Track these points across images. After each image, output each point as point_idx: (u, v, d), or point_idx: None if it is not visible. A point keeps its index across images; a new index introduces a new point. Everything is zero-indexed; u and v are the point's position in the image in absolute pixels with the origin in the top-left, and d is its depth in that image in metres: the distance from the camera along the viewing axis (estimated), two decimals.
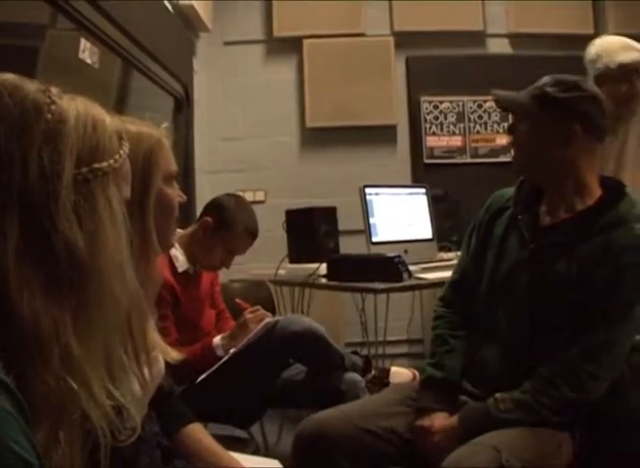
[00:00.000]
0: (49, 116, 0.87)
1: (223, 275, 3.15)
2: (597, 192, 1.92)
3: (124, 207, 0.96)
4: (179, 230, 2.00)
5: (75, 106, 0.91)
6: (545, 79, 1.96)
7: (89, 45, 2.89)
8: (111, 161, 0.94)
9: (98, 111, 0.95)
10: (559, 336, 1.83)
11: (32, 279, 0.82)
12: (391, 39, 5.39)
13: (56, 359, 0.82)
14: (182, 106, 4.49)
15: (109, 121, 0.96)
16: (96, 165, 0.92)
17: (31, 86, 0.89)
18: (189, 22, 4.77)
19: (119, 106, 3.29)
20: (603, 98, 1.92)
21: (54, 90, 0.91)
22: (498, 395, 1.83)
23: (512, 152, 2.06)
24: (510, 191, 2.10)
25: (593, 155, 1.93)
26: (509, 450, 1.67)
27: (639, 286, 1.81)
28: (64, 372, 0.83)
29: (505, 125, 5.40)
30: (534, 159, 1.97)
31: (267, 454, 2.49)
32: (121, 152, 0.97)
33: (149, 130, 1.40)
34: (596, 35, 5.46)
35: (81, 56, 2.82)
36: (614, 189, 1.93)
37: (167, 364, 1.53)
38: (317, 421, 1.96)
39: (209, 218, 2.71)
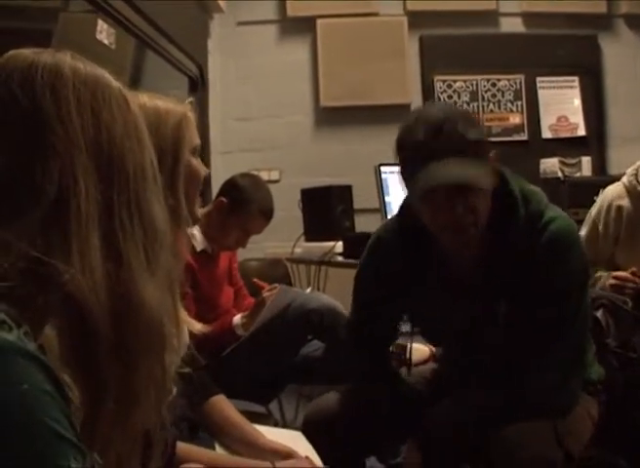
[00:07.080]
0: None
1: (240, 254, 3.18)
2: None
3: None
4: None
5: None
6: (434, 128, 1.61)
7: (106, 26, 2.92)
8: None
9: None
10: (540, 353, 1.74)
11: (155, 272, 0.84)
12: (405, 19, 5.36)
13: (170, 343, 0.85)
14: (197, 87, 4.52)
15: None
16: None
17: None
18: (203, 3, 4.77)
19: (135, 87, 3.32)
20: None
21: None
22: None
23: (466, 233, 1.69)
24: (386, 238, 1.92)
25: None
26: None
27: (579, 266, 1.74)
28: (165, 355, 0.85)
29: (519, 104, 5.40)
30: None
31: None
32: None
33: (175, 105, 1.43)
34: (609, 14, 5.45)
35: (98, 36, 2.86)
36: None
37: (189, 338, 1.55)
38: (321, 409, 2.00)
39: (223, 199, 2.74)
